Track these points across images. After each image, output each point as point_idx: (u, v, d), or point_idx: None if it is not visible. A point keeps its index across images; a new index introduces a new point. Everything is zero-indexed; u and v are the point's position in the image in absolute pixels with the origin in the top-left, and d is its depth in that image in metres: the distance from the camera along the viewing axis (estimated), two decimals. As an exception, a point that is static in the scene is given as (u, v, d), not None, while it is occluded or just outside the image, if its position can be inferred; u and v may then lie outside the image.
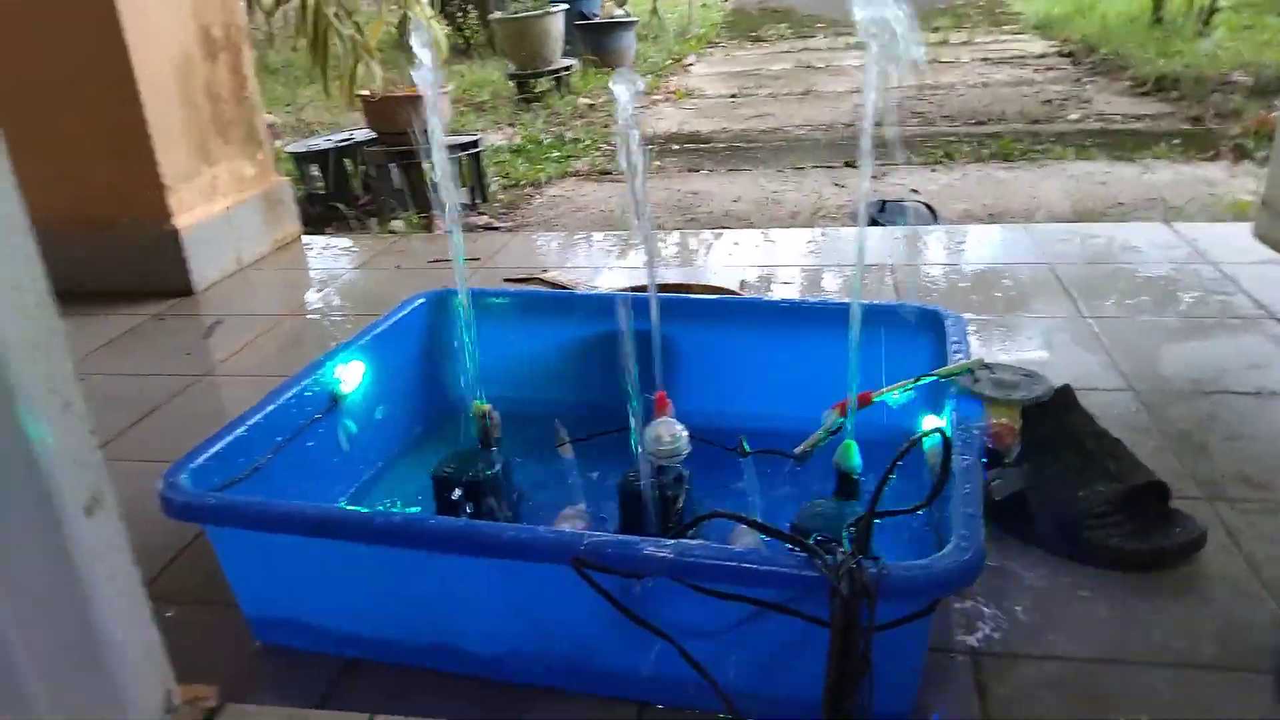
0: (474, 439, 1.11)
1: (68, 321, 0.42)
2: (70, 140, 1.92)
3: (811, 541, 0.71)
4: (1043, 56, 5.14)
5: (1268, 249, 1.85)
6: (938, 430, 0.81)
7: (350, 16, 2.27)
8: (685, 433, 0.98)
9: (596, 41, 5.45)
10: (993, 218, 2.59)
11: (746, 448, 1.00)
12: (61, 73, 1.87)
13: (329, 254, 2.29)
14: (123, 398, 1.55)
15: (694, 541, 0.71)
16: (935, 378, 0.92)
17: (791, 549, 0.71)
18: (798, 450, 0.98)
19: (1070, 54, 5.09)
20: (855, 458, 0.92)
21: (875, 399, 0.96)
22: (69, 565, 0.44)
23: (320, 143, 3.10)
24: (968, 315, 1.68)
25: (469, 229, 2.68)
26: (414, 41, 0.85)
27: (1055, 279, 1.82)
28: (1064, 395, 1.05)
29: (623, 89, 0.79)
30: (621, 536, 0.73)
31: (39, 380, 0.41)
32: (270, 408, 1.01)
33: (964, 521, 0.72)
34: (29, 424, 0.40)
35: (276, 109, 4.69)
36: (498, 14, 4.97)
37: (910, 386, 0.94)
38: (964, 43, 5.75)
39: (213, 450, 0.92)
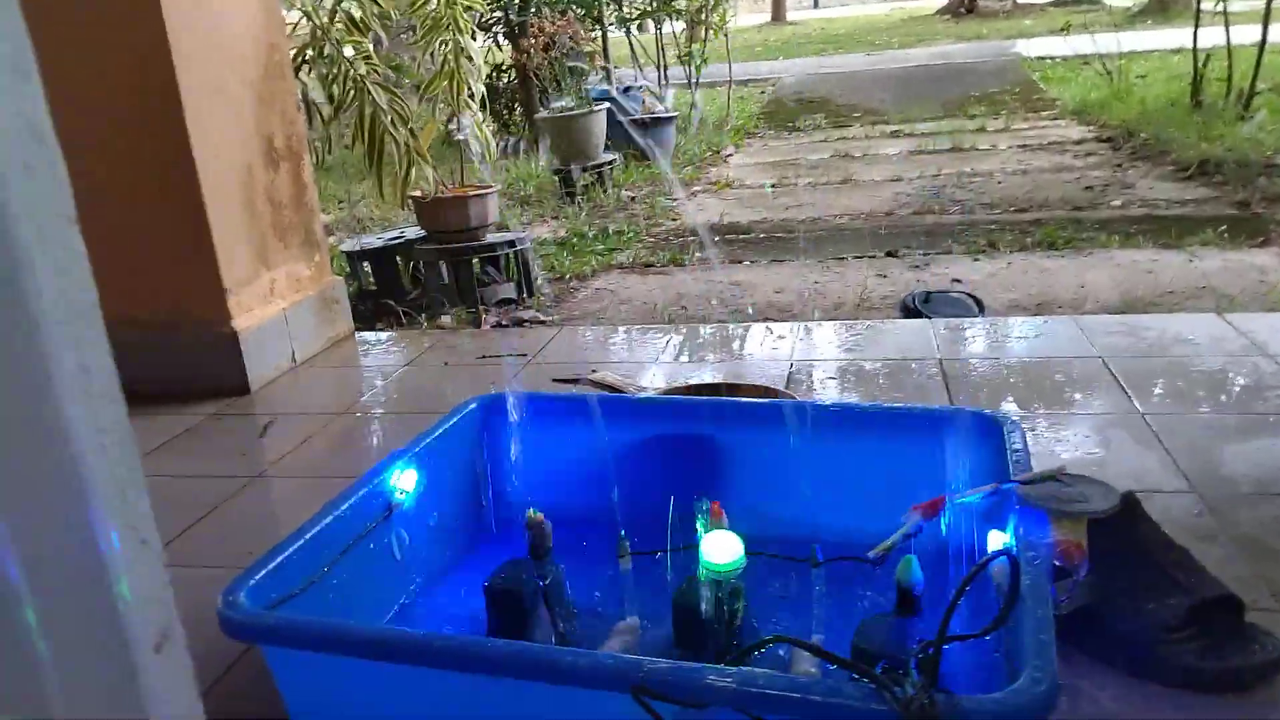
0: (526, 548, 1.11)
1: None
2: (135, 246, 1.99)
3: (878, 669, 0.69)
4: (1081, 142, 5.15)
5: (1328, 342, 1.81)
6: (1004, 553, 0.79)
7: (406, 124, 2.36)
8: (741, 545, 0.97)
9: (638, 136, 5.61)
10: (1040, 308, 2.57)
11: (818, 558, 0.99)
12: (129, 181, 1.94)
13: (379, 350, 2.33)
14: (178, 499, 1.57)
15: (758, 670, 0.69)
16: (1016, 483, 0.90)
17: (856, 678, 0.69)
18: (873, 553, 0.97)
19: (1110, 139, 5.10)
20: (916, 572, 0.91)
21: (957, 502, 0.94)
22: (138, 706, 0.44)
23: (372, 241, 3.19)
24: (1019, 412, 1.65)
25: (516, 323, 2.72)
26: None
27: (1108, 372, 1.79)
28: (1130, 505, 1.02)
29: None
30: (683, 664, 0.71)
31: (118, 519, 0.42)
32: (327, 519, 1.02)
33: (1037, 650, 0.70)
34: (108, 564, 0.40)
35: (329, 205, 4.84)
36: (543, 112, 5.12)
37: (990, 491, 0.92)
38: (1001, 129, 5.80)
39: (270, 566, 0.93)
